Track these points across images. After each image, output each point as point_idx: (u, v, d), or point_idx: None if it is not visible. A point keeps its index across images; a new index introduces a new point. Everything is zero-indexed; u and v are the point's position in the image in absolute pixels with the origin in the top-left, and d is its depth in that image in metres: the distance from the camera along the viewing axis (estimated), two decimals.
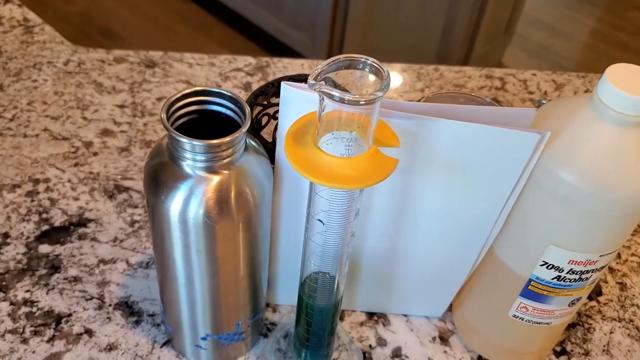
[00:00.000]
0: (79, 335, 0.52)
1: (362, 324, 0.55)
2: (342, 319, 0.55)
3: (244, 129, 0.38)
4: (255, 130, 0.51)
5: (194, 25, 2.29)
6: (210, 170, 0.39)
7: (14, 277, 0.55)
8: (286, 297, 0.55)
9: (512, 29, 2.15)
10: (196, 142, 0.37)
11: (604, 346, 0.55)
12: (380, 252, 0.50)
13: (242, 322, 0.48)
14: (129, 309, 0.54)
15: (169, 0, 2.38)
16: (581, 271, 0.44)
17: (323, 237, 0.39)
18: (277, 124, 0.46)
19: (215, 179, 0.39)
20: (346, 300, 0.55)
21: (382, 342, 0.54)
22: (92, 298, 0.54)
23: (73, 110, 0.72)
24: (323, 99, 0.33)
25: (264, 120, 0.52)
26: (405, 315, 0.56)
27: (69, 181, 0.64)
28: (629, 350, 0.55)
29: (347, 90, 0.34)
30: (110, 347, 0.51)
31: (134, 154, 0.68)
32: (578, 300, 0.47)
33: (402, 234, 0.48)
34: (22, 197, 0.62)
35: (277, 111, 0.50)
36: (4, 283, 0.55)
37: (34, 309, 0.53)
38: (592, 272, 0.44)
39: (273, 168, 0.44)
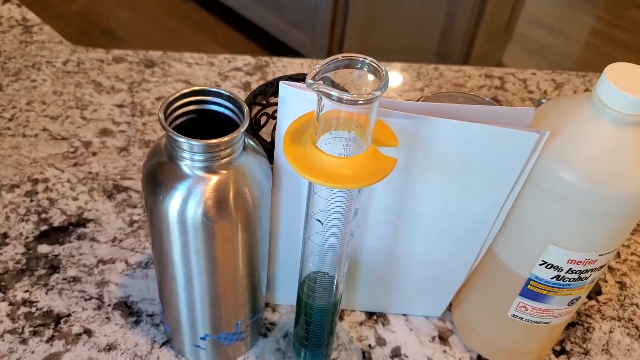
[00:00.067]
0: (78, 335, 0.52)
1: (361, 323, 0.55)
2: (341, 318, 0.55)
3: (243, 128, 0.38)
4: (254, 130, 0.51)
5: (194, 24, 2.29)
6: (209, 170, 0.39)
7: (13, 278, 0.55)
8: (285, 296, 0.55)
9: (512, 28, 2.15)
10: (194, 142, 0.37)
11: (604, 345, 0.55)
12: (379, 252, 0.50)
13: (241, 322, 0.48)
14: (128, 309, 0.54)
15: (169, 0, 2.38)
16: (580, 270, 0.44)
17: (322, 236, 0.39)
18: (276, 124, 0.46)
19: (214, 178, 0.39)
20: (345, 299, 0.54)
21: (381, 341, 0.54)
22: (91, 298, 0.54)
23: (72, 110, 0.72)
24: (321, 99, 0.33)
25: (263, 119, 0.52)
26: (404, 315, 0.56)
27: (68, 181, 0.64)
28: (628, 350, 0.55)
29: (345, 90, 0.33)
30: (110, 347, 0.51)
31: (133, 154, 0.68)
32: (577, 299, 0.47)
33: (401, 234, 0.48)
34: (21, 197, 0.62)
35: (276, 111, 0.50)
36: (3, 283, 0.55)
37: (33, 309, 0.53)
38: (591, 271, 0.44)
39: (272, 168, 0.44)
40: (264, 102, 0.54)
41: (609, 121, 0.39)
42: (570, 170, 0.40)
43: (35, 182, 0.64)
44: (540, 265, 0.44)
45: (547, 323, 0.49)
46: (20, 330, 0.52)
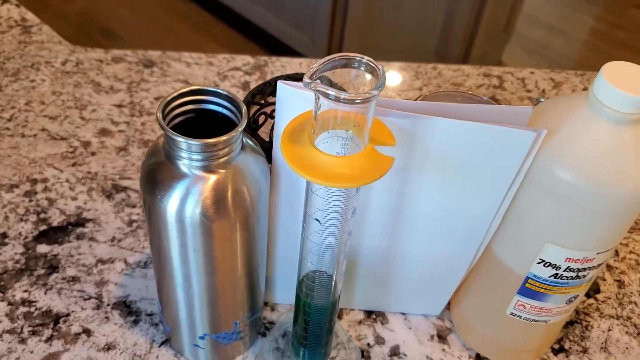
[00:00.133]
0: (77, 335, 0.52)
1: (360, 322, 0.55)
2: (340, 317, 0.55)
3: (241, 128, 0.38)
4: (252, 129, 0.51)
5: (193, 25, 2.29)
6: (207, 169, 0.39)
7: (12, 277, 0.55)
8: (284, 296, 0.55)
9: (512, 27, 2.15)
10: (192, 142, 0.37)
11: (602, 343, 0.55)
12: (377, 251, 0.50)
13: (240, 321, 0.48)
14: (127, 309, 0.54)
15: (169, 0, 2.38)
16: (578, 269, 0.44)
17: (320, 236, 0.39)
18: (274, 123, 0.46)
19: (212, 178, 0.39)
20: (344, 298, 0.55)
21: (380, 340, 0.54)
22: (90, 298, 0.55)
23: (71, 110, 0.72)
24: (319, 98, 0.33)
25: (261, 119, 0.52)
26: (403, 314, 0.56)
27: (67, 181, 0.64)
28: (626, 348, 0.55)
29: (342, 89, 0.34)
30: (109, 347, 0.51)
31: (132, 154, 0.68)
32: (575, 297, 0.47)
33: (399, 233, 0.48)
34: (20, 197, 0.62)
35: (274, 110, 0.50)
36: (2, 283, 0.55)
37: (32, 309, 0.53)
38: (589, 269, 0.44)
39: (270, 167, 0.44)
40: (262, 101, 0.54)
41: (606, 120, 0.39)
42: (568, 169, 0.40)
43: (34, 182, 0.64)
44: (538, 263, 0.44)
45: (545, 321, 0.49)
46: (19, 330, 0.52)
